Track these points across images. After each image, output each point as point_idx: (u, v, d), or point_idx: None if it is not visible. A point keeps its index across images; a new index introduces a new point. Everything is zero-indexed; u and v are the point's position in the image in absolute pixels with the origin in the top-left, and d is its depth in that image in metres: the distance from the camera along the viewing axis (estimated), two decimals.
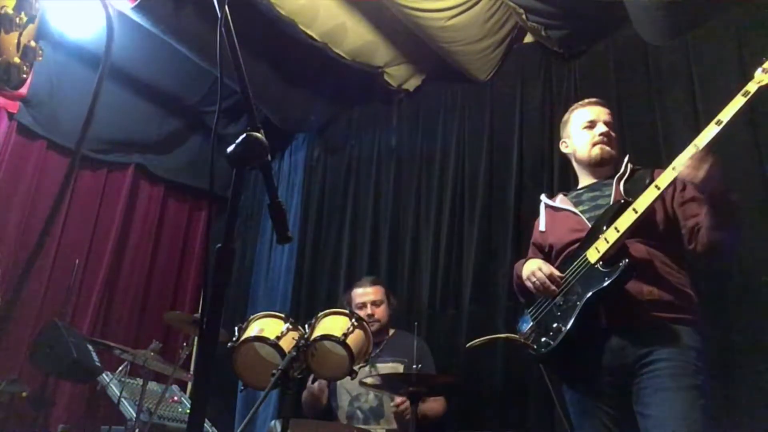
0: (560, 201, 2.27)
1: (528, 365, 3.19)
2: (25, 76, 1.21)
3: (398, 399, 2.86)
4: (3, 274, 3.83)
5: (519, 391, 3.22)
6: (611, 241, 1.87)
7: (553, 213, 2.26)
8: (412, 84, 4.40)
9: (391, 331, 3.28)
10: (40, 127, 4.26)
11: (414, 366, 2.64)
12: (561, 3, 3.43)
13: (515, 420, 3.15)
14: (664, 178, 1.83)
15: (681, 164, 1.78)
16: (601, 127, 2.20)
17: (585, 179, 2.26)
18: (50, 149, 4.35)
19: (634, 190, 2.00)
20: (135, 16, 3.69)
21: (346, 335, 2.31)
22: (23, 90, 4.13)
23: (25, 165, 4.21)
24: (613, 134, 2.21)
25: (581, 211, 2.13)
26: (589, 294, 1.88)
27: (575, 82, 3.61)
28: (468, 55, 3.85)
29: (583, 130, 2.24)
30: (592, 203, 2.14)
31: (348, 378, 2.38)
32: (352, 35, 3.89)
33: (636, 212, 1.85)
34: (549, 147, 3.58)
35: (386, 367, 3.04)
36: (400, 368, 3.03)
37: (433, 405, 3.01)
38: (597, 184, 2.19)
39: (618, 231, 1.87)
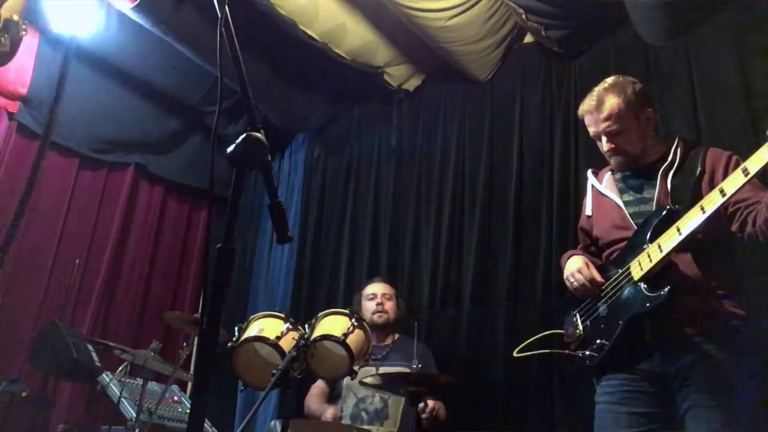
0: (606, 184, 2.15)
1: (528, 365, 3.20)
2: (5, 50, 1.15)
3: (430, 404, 2.87)
4: (3, 274, 3.82)
5: (519, 391, 3.22)
6: (654, 261, 1.83)
7: (599, 197, 2.17)
8: (412, 84, 4.40)
9: (396, 336, 3.31)
10: (40, 127, 4.25)
11: (414, 366, 2.64)
12: (561, 3, 3.43)
13: (515, 420, 3.15)
14: (711, 201, 1.73)
15: (731, 190, 1.67)
16: (604, 144, 2.06)
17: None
18: (50, 149, 4.34)
19: (682, 186, 1.91)
20: (135, 16, 3.69)
21: (346, 335, 2.31)
22: (23, 90, 4.13)
23: (25, 165, 4.21)
24: (619, 139, 2.02)
25: (626, 203, 2.05)
26: (629, 315, 1.88)
27: (575, 82, 3.61)
28: (468, 55, 3.85)
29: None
30: (637, 194, 2.05)
31: (348, 379, 2.38)
32: (352, 35, 3.89)
33: (680, 233, 1.78)
34: (549, 147, 3.58)
35: (393, 371, 3.05)
36: (406, 371, 3.03)
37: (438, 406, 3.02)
38: (643, 169, 2.07)
39: (661, 251, 1.82)
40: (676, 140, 2.04)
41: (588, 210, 2.21)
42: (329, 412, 3.04)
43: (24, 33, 1.18)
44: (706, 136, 2.94)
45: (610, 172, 2.18)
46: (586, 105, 2.08)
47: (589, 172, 2.27)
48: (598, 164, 2.32)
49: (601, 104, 2.03)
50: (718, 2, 3.05)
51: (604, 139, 2.05)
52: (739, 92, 2.91)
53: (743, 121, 2.86)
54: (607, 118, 2.01)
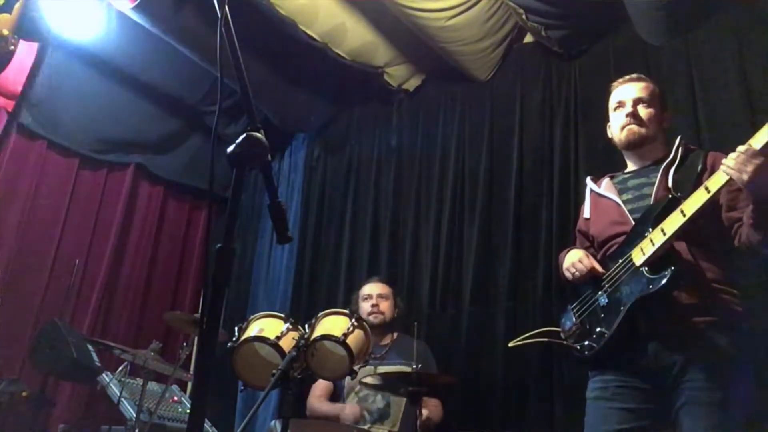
0: (605, 186, 2.16)
1: (528, 365, 3.20)
2: None
3: (425, 413, 2.83)
4: (3, 274, 3.83)
5: (519, 391, 3.22)
6: (657, 245, 1.81)
7: (597, 199, 2.17)
8: (412, 84, 4.40)
9: (395, 335, 3.31)
10: (40, 127, 4.26)
11: (413, 366, 2.64)
12: (561, 3, 3.43)
13: (515, 420, 3.15)
14: (716, 181, 1.73)
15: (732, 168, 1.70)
16: (628, 107, 2.06)
17: (631, 164, 2.15)
18: (50, 149, 4.35)
19: (684, 180, 1.91)
20: (135, 16, 3.69)
21: (346, 335, 2.31)
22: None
23: (25, 165, 4.21)
24: (644, 111, 2.05)
25: (625, 201, 2.05)
26: (633, 300, 1.84)
27: (575, 82, 3.61)
28: (468, 55, 3.85)
29: (614, 112, 2.12)
30: (636, 192, 2.05)
31: (348, 378, 2.38)
32: (352, 35, 3.89)
33: (684, 215, 1.76)
34: (549, 147, 3.59)
35: (393, 369, 3.04)
36: (406, 370, 3.03)
37: (434, 409, 3.02)
38: (644, 170, 2.08)
39: (664, 234, 1.80)
40: (678, 140, 2.06)
41: (586, 213, 2.21)
42: (348, 411, 2.99)
43: (13, 48, 1.19)
44: (706, 136, 2.95)
45: (608, 178, 2.20)
46: (625, 78, 2.15)
47: (588, 179, 2.28)
48: (598, 164, 2.32)
49: (642, 79, 2.14)
50: (718, 2, 3.05)
51: (629, 103, 2.08)
52: (739, 92, 2.91)
53: (743, 122, 2.86)
54: (645, 89, 2.10)
